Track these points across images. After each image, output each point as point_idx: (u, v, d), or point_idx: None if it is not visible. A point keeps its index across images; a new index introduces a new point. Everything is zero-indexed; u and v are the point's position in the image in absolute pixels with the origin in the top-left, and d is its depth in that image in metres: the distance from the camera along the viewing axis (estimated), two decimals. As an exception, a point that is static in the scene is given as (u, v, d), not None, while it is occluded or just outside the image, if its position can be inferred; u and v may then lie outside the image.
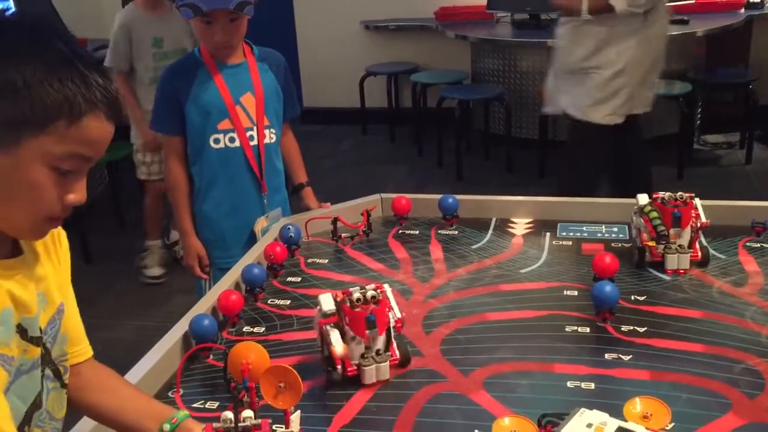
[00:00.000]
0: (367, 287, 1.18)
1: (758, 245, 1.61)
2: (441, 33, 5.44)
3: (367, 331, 1.15)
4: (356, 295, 1.15)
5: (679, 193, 1.53)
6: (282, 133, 2.07)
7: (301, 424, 1.05)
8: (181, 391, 1.18)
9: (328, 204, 1.97)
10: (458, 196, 1.83)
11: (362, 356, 1.17)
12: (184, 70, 1.95)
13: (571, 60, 3.06)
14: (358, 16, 5.97)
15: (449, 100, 4.92)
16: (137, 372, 1.17)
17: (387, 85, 5.86)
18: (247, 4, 1.80)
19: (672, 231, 1.49)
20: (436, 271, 1.58)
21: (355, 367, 1.16)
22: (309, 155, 2.20)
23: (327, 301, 1.17)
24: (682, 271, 1.49)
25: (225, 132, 1.94)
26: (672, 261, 1.49)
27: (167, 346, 1.25)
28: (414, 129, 5.53)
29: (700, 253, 1.52)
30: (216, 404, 1.14)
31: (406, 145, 5.58)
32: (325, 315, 1.17)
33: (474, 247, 1.69)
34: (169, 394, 1.18)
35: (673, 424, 0.99)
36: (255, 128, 1.96)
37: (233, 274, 1.53)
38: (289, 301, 1.48)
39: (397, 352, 1.20)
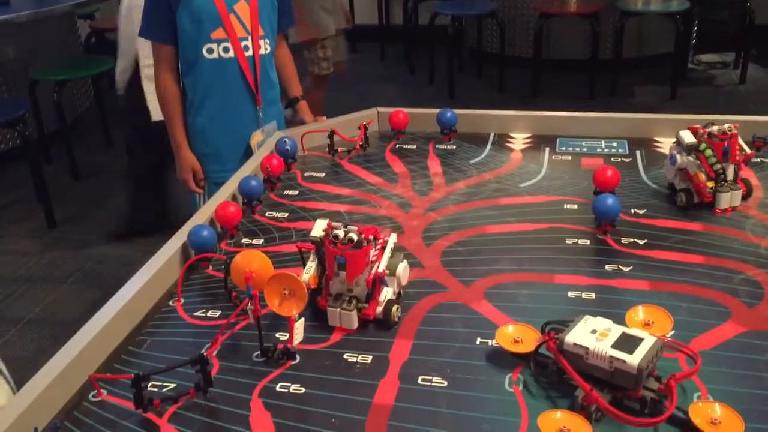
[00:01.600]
0: (352, 228, 1.07)
1: (758, 160, 1.60)
2: (434, -55, 5.26)
3: (340, 273, 1.07)
4: (338, 232, 1.06)
5: (727, 125, 1.39)
6: (276, 44, 2.01)
7: (304, 332, 1.05)
8: (182, 300, 1.18)
9: (324, 118, 1.94)
10: (456, 111, 1.80)
11: (339, 295, 1.08)
12: None
13: None
14: (348, -74, 5.75)
15: (442, 17, 4.80)
16: (138, 281, 1.16)
17: (377, 1, 5.71)
18: None
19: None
20: (435, 184, 1.57)
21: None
22: (299, 73, 2.16)
23: (316, 228, 1.12)
24: (730, 209, 1.38)
25: (219, 42, 1.88)
26: (725, 200, 1.37)
27: (166, 257, 1.24)
28: (405, 47, 5.42)
29: (744, 187, 1.40)
30: (218, 313, 1.14)
31: (397, 64, 5.49)
32: (311, 239, 1.12)
33: (472, 161, 1.67)
34: (170, 302, 1.18)
35: (673, 331, 1.00)
36: (250, 38, 1.90)
37: (230, 187, 1.51)
38: (287, 214, 1.47)
39: (379, 310, 1.08)
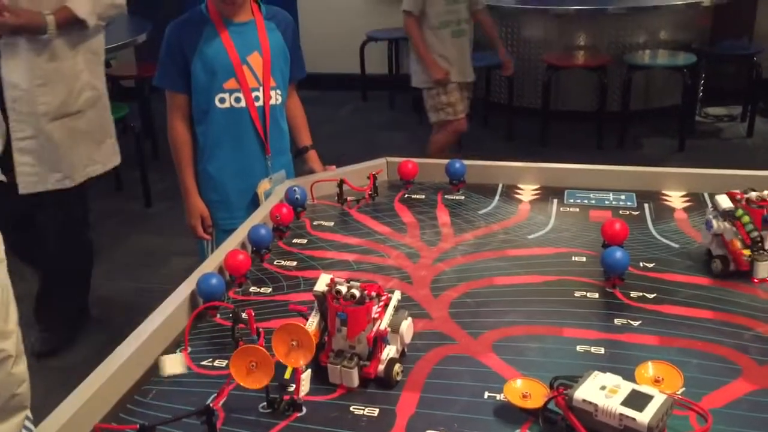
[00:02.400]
0: (355, 284, 1.06)
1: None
2: (444, -2, 5.36)
3: (342, 329, 1.05)
4: (340, 287, 1.05)
5: (766, 191, 1.36)
6: (287, 95, 2.05)
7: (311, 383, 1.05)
8: (189, 349, 1.17)
9: (333, 167, 1.96)
10: (465, 162, 1.81)
11: (340, 352, 1.06)
12: (191, 26, 1.92)
13: None
14: (360, -21, 5.89)
15: (451, 67, 4.87)
16: (145, 329, 1.16)
17: (388, 51, 5.81)
18: None
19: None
20: (443, 235, 1.57)
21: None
22: (308, 121, 2.19)
23: (320, 282, 1.10)
24: None
25: (231, 92, 1.92)
26: (763, 269, 1.32)
27: (175, 304, 1.24)
28: (414, 96, 5.49)
29: None
30: (224, 362, 1.13)
31: (406, 112, 5.55)
32: (314, 293, 1.10)
33: (481, 212, 1.68)
34: (178, 351, 1.17)
35: (683, 388, 0.99)
36: (261, 89, 1.94)
37: (239, 235, 1.52)
38: (295, 263, 1.47)
39: (380, 368, 1.05)
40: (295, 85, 2.12)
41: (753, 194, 1.35)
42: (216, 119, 1.93)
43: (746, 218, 1.32)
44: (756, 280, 1.32)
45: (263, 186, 1.97)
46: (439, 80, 3.60)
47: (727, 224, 1.34)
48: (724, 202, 1.36)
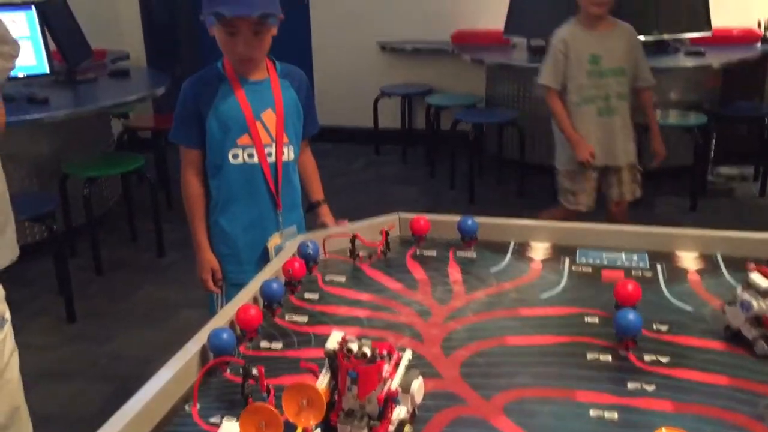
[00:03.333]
0: (366, 342, 1.05)
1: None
2: (457, 56, 5.48)
3: (352, 388, 1.04)
4: (351, 345, 1.05)
5: None
6: (300, 150, 2.08)
7: (320, 443, 1.03)
8: (198, 405, 1.17)
9: (346, 221, 1.97)
10: (477, 218, 1.82)
11: (351, 411, 1.05)
12: (207, 83, 1.96)
13: None
14: (375, 36, 6.02)
15: (463, 123, 4.93)
16: (155, 384, 1.16)
17: (401, 106, 5.90)
18: (270, 16, 1.81)
19: None
20: (455, 292, 1.57)
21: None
22: (321, 173, 2.22)
23: (331, 340, 1.09)
24: None
25: (244, 147, 1.95)
26: None
27: (185, 359, 1.24)
28: (427, 150, 5.55)
29: None
30: (233, 419, 1.12)
31: (418, 167, 5.60)
32: (325, 351, 1.09)
33: (493, 270, 1.68)
34: (186, 407, 1.17)
35: (699, 457, 0.98)
36: (274, 145, 1.97)
37: (251, 289, 1.52)
38: (306, 318, 1.47)
39: (391, 429, 1.04)
40: (309, 140, 2.15)
41: None
42: (229, 174, 1.96)
43: None
44: None
45: (274, 241, 1.99)
46: (584, 162, 3.21)
47: (765, 304, 1.27)
48: (762, 281, 1.29)
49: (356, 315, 1.48)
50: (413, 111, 6.00)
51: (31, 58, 4.01)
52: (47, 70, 4.10)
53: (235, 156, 1.95)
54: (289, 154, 2.02)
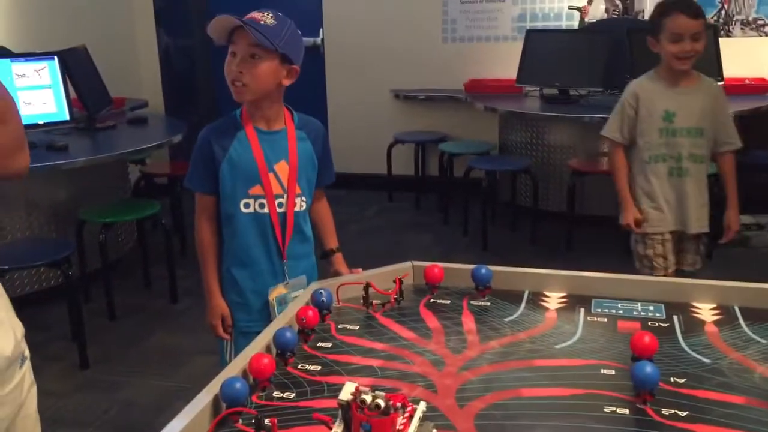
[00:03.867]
0: (380, 394, 1.04)
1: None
2: (470, 104, 5.53)
3: None
4: (365, 396, 1.04)
5: None
6: (315, 198, 2.09)
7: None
8: (210, 456, 1.15)
9: (360, 270, 1.97)
10: (491, 267, 1.82)
11: None
12: (224, 131, 1.99)
13: None
14: (389, 84, 6.10)
15: (476, 170, 4.96)
16: (167, 434, 1.15)
17: (414, 153, 5.94)
18: (267, 39, 1.82)
19: None
20: (469, 342, 1.56)
21: None
22: (334, 220, 2.23)
23: (345, 391, 1.08)
24: None
25: (256, 198, 1.98)
26: None
27: (197, 409, 1.23)
28: (440, 197, 5.57)
29: None
30: (245, 472, 1.11)
31: (431, 213, 5.61)
32: (339, 402, 1.08)
33: (507, 319, 1.67)
34: (198, 458, 1.15)
35: None
36: (285, 196, 1.99)
37: (264, 337, 1.52)
38: (319, 367, 1.46)
39: None
40: (324, 189, 2.16)
41: None
42: (240, 223, 1.98)
43: None
44: None
45: (276, 291, 1.99)
46: (627, 226, 2.97)
47: None
48: None
49: (370, 364, 1.47)
50: (426, 158, 6.04)
51: (52, 105, 4.08)
52: (67, 117, 4.17)
53: (247, 205, 1.97)
54: (300, 204, 2.03)
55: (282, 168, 1.98)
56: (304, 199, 2.04)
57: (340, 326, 1.65)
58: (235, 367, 1.38)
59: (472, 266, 1.82)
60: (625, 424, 1.23)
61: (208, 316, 2.08)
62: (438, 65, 5.95)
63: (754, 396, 1.30)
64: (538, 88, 5.36)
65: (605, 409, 1.27)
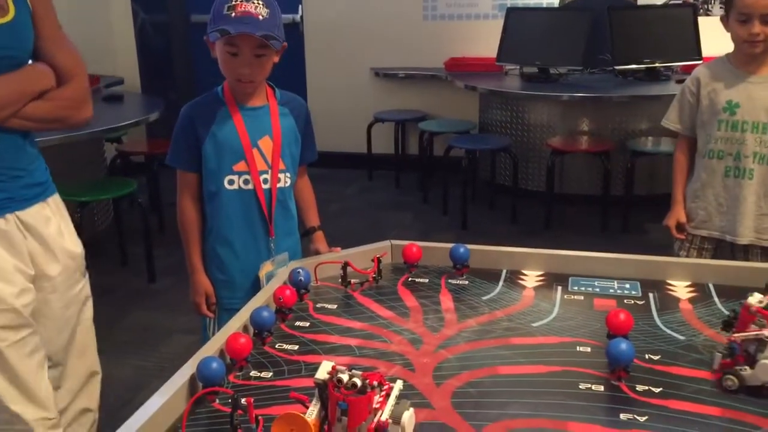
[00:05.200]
0: (356, 373, 1.04)
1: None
2: (450, 83, 5.51)
3: (342, 418, 1.03)
4: (342, 375, 1.04)
5: (756, 297, 1.30)
6: (298, 176, 2.08)
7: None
8: None
9: (338, 249, 1.96)
10: (469, 246, 1.82)
11: None
12: (206, 108, 1.96)
13: None
14: (369, 63, 6.06)
15: (456, 149, 4.95)
16: (143, 413, 1.15)
17: (394, 132, 5.91)
18: (273, 39, 1.81)
19: None
20: (447, 321, 1.56)
21: None
22: (316, 198, 2.21)
23: (321, 370, 1.07)
24: None
25: (240, 174, 1.95)
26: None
27: (173, 389, 1.23)
28: (420, 176, 5.56)
29: None
30: (224, 449, 1.11)
31: (411, 192, 5.60)
32: (315, 381, 1.08)
33: (485, 298, 1.67)
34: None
35: (692, 490, 0.97)
36: (269, 171, 1.97)
37: (241, 317, 1.51)
38: (297, 346, 1.46)
39: None
40: (306, 167, 2.15)
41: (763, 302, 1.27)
42: (224, 200, 1.96)
43: None
44: None
45: (265, 268, 1.98)
46: (667, 228, 2.63)
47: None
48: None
49: (347, 343, 1.47)
50: (407, 137, 6.02)
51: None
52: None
53: (231, 182, 1.96)
54: (285, 180, 2.02)
55: (266, 143, 1.96)
56: (288, 175, 2.01)
57: (318, 305, 1.65)
58: (212, 347, 1.38)
59: (450, 245, 1.82)
60: (600, 400, 1.24)
61: (191, 293, 2.07)
62: (418, 43, 5.91)
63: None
64: (518, 67, 5.35)
65: (580, 386, 1.28)
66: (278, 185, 1.99)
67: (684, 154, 2.61)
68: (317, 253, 2.02)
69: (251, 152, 1.94)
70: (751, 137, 2.41)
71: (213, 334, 2.00)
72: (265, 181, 1.97)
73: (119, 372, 3.15)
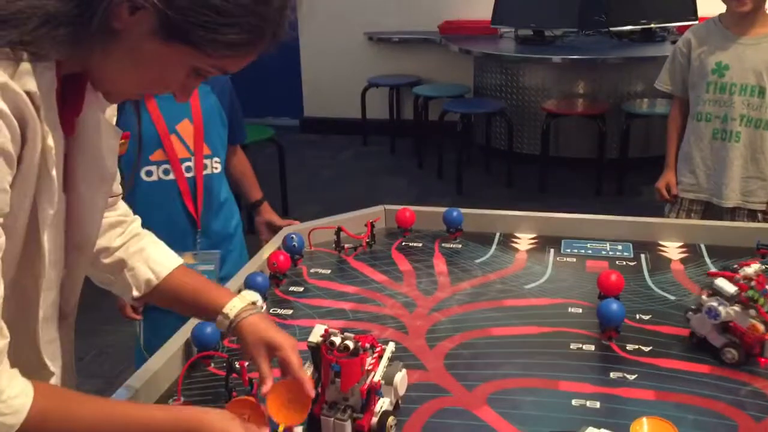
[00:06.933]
0: (349, 336, 1.05)
1: (765, 267, 1.60)
2: (444, 46, 5.46)
3: (336, 380, 1.04)
4: (334, 338, 1.05)
5: (753, 266, 1.29)
6: (230, 155, 1.96)
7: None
8: (182, 399, 1.16)
9: (297, 221, 1.89)
10: (462, 210, 1.82)
11: (334, 404, 1.06)
12: None
13: None
14: (362, 27, 5.99)
15: (451, 114, 4.93)
16: (139, 378, 1.16)
17: (389, 97, 5.88)
18: None
19: None
20: (440, 284, 1.57)
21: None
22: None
23: (314, 333, 1.09)
24: None
25: (158, 164, 1.79)
26: None
27: (168, 354, 1.24)
28: (414, 141, 5.54)
29: None
30: (217, 413, 1.12)
31: (406, 157, 5.59)
32: (308, 344, 1.09)
33: (478, 261, 1.68)
34: (170, 401, 1.17)
35: (679, 445, 0.99)
36: (193, 159, 1.82)
37: (236, 282, 1.52)
38: (291, 311, 1.47)
39: (374, 421, 1.05)
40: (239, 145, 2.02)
41: (749, 270, 1.27)
42: (142, 193, 1.76)
43: (761, 299, 1.23)
44: (765, 360, 1.23)
45: (184, 260, 1.85)
46: (657, 191, 2.62)
47: (737, 308, 1.23)
48: (728, 286, 1.25)
49: (341, 307, 1.48)
50: (401, 102, 5.99)
51: None
52: None
53: (149, 173, 1.78)
54: (212, 167, 1.85)
55: (185, 128, 1.79)
56: (216, 160, 1.85)
57: (311, 270, 1.66)
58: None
59: (443, 209, 1.83)
60: (591, 359, 1.26)
61: (115, 299, 1.87)
62: (412, 6, 5.84)
63: (700, 350, 1.32)
64: (513, 29, 5.31)
65: (571, 346, 1.29)
66: (204, 173, 1.83)
67: (678, 115, 2.59)
68: (270, 224, 1.97)
69: (169, 139, 1.77)
70: (739, 99, 2.37)
71: (142, 337, 1.91)
72: (188, 169, 1.81)
73: (115, 340, 3.17)
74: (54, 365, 0.95)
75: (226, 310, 1.08)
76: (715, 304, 1.24)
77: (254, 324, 1.07)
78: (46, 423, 0.81)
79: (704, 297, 1.27)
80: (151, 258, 1.16)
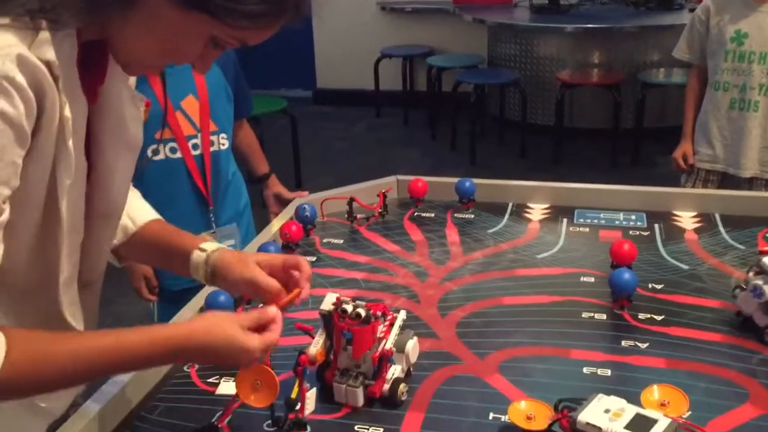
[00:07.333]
0: (360, 303, 1.06)
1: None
2: (458, 16, 5.41)
3: (347, 348, 1.05)
4: (346, 306, 1.06)
5: None
6: (236, 129, 1.93)
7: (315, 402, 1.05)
8: (196, 367, 1.18)
9: (306, 192, 1.88)
10: (475, 180, 1.82)
11: (346, 371, 1.07)
12: None
13: None
14: (375, -4, 5.94)
15: (464, 84, 4.90)
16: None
17: (402, 68, 5.84)
18: None
19: None
20: (452, 254, 1.57)
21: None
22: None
23: (326, 301, 1.10)
24: None
25: (165, 142, 1.75)
26: None
27: (184, 320, 1.25)
28: (428, 112, 5.52)
29: None
30: (231, 380, 1.14)
31: (419, 128, 5.57)
32: (320, 312, 1.10)
33: (490, 231, 1.68)
34: (185, 368, 1.18)
35: (690, 412, 0.99)
36: (199, 135, 1.79)
37: (248, 250, 1.53)
38: (304, 280, 1.48)
39: (385, 387, 1.06)
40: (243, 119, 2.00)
41: None
42: (150, 173, 1.72)
43: None
44: None
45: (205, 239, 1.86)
46: (674, 161, 2.61)
47: None
48: None
49: (354, 277, 1.49)
50: (414, 72, 5.95)
51: None
52: None
53: (155, 152, 1.73)
54: (220, 143, 1.82)
55: (191, 104, 1.76)
56: (223, 136, 1.82)
57: (324, 240, 1.67)
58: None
59: (456, 180, 1.82)
60: (602, 328, 1.26)
61: (130, 279, 1.89)
62: (425, -25, 5.79)
63: (729, 300, 1.33)
64: (528, -2, 5.25)
65: (583, 315, 1.30)
66: (212, 149, 1.81)
67: (697, 84, 2.56)
68: (279, 197, 1.97)
69: (174, 116, 1.73)
70: (758, 68, 2.35)
71: (157, 318, 1.93)
72: (195, 146, 1.78)
73: (131, 308, 3.21)
74: (77, 325, 0.96)
75: (203, 245, 1.10)
76: (760, 282, 1.20)
77: (236, 252, 1.11)
78: (22, 367, 0.79)
79: (751, 275, 1.24)
80: (129, 207, 1.17)
